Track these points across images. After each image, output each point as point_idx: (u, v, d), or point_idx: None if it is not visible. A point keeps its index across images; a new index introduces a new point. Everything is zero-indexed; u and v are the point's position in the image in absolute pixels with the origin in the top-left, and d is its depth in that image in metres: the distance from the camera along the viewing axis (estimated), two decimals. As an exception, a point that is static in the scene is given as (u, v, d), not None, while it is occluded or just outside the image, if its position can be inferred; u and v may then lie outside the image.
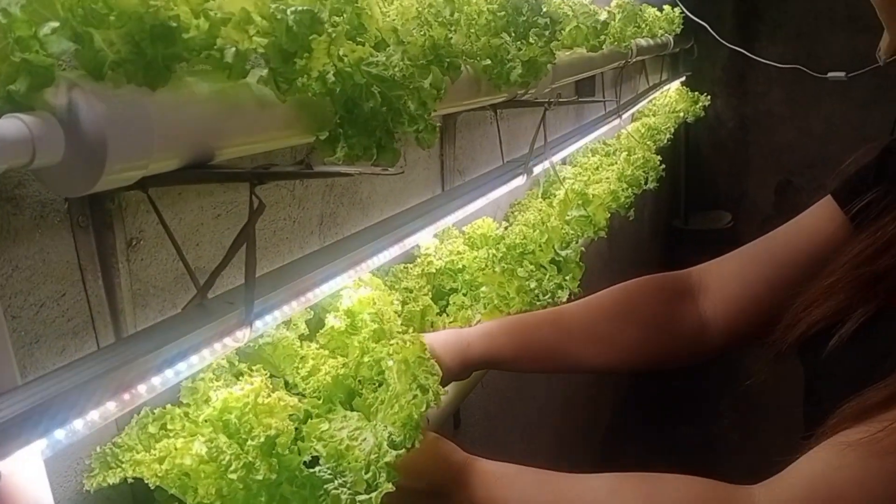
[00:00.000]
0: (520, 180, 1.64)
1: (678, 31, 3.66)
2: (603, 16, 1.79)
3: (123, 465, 0.71)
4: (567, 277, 1.43)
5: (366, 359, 0.92)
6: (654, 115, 3.80)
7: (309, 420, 0.85)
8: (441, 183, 1.69)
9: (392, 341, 0.90)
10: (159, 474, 0.70)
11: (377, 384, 0.92)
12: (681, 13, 3.69)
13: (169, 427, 0.75)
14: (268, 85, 0.74)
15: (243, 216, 1.04)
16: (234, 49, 0.65)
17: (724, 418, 3.93)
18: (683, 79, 4.83)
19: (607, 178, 2.36)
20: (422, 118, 0.85)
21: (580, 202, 1.94)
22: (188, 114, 0.69)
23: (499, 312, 1.16)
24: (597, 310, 1.01)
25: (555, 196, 2.05)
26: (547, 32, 1.37)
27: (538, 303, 1.20)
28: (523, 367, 1.03)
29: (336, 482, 0.73)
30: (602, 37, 1.83)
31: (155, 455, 0.71)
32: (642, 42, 3.05)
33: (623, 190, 2.21)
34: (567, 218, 1.96)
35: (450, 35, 1.09)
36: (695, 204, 5.78)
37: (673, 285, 1.01)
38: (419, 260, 1.30)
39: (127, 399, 0.64)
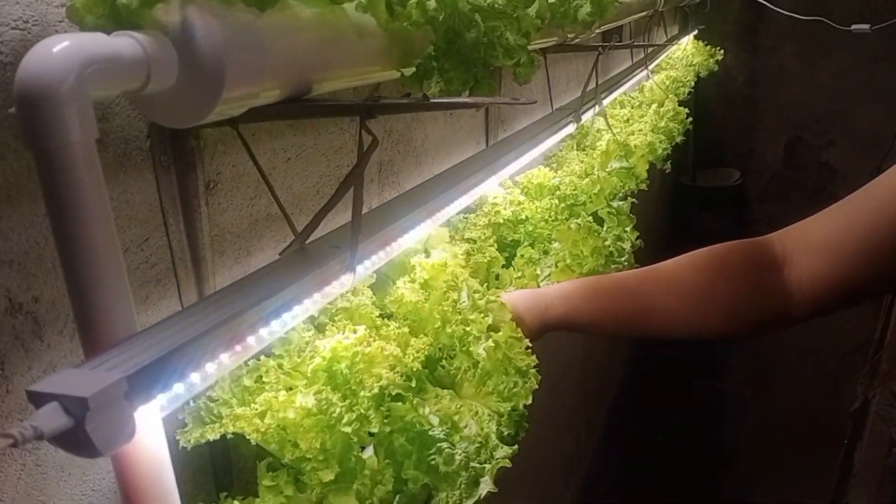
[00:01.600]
0: (570, 128, 1.58)
1: (699, -20, 3.55)
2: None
3: (223, 421, 0.66)
4: (627, 229, 1.38)
5: (447, 329, 0.87)
6: (673, 69, 3.71)
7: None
8: (485, 132, 1.63)
9: (473, 316, 0.85)
10: (261, 430, 0.66)
11: (455, 352, 0.88)
12: (702, -38, 3.58)
13: (265, 380, 0.70)
14: (372, 11, 0.67)
15: (312, 160, 0.99)
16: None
17: (736, 373, 3.95)
18: (696, 32, 4.73)
19: (640, 130, 2.29)
20: (523, 49, 0.78)
21: (622, 153, 1.88)
22: (294, 40, 0.63)
23: (571, 273, 1.11)
24: (687, 274, 0.97)
25: (591, 148, 1.98)
26: (611, -29, 1.30)
27: (620, 261, 1.15)
28: (604, 330, 1.01)
29: (448, 442, 0.69)
30: (650, -21, 1.74)
31: (256, 409, 0.66)
32: (668, -9, 2.96)
33: (660, 142, 2.15)
34: (608, 170, 1.91)
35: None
36: (703, 161, 5.72)
37: (759, 255, 0.95)
38: (485, 209, 1.24)
39: (239, 350, 0.59)
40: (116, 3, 0.51)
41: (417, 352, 0.81)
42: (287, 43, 0.62)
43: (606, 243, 1.17)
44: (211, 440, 0.67)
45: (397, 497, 0.68)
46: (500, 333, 0.83)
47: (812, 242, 0.93)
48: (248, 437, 0.67)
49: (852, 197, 0.90)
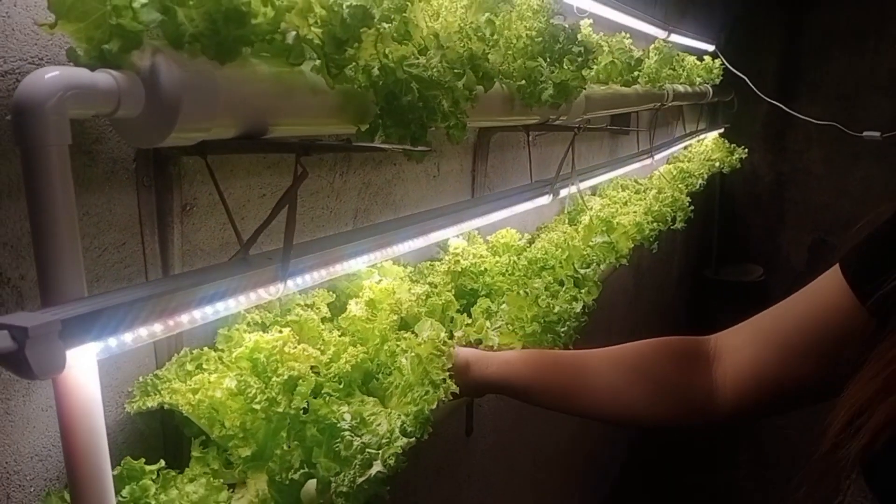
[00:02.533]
0: (545, 199, 1.72)
1: (717, 81, 3.73)
2: (637, 53, 1.88)
3: (161, 392, 0.79)
4: (583, 291, 1.50)
5: (385, 347, 1.00)
6: (688, 161, 3.86)
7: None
8: (471, 195, 1.78)
9: (406, 335, 0.98)
10: (192, 403, 0.79)
11: (391, 370, 1.00)
12: (721, 65, 3.77)
13: (205, 366, 0.84)
14: (320, 72, 0.84)
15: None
16: (294, 33, 0.75)
17: (741, 468, 3.90)
18: (721, 130, 4.89)
19: (634, 212, 2.43)
20: (453, 115, 0.94)
21: (604, 229, 2.01)
22: (249, 89, 0.79)
23: (513, 335, 1.22)
24: (614, 360, 1.01)
25: (581, 223, 2.12)
26: (580, 59, 1.47)
27: (553, 317, 1.26)
28: (535, 400, 1.03)
29: (352, 433, 0.81)
30: (636, 73, 1.92)
31: (190, 386, 0.80)
32: (679, 88, 3.13)
33: (648, 223, 2.28)
34: (591, 244, 2.03)
35: (488, 52, 1.19)
36: (727, 255, 5.78)
37: (690, 350, 0.99)
38: (447, 258, 1.38)
39: (171, 325, 0.73)
40: (102, 49, 0.68)
41: (351, 357, 0.94)
42: (242, 91, 0.78)
43: (556, 309, 1.28)
44: (151, 407, 0.80)
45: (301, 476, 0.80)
46: (423, 348, 0.95)
47: (739, 342, 0.95)
48: (180, 411, 0.80)
49: (785, 301, 0.91)
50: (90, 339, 0.62)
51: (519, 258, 1.54)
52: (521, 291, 1.26)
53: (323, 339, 0.98)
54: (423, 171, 1.56)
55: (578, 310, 1.44)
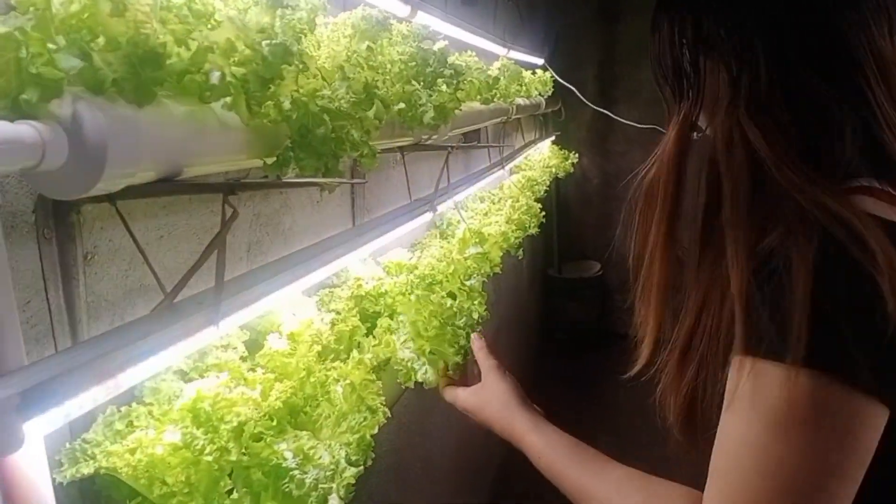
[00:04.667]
0: (427, 216, 1.77)
1: (549, 92, 4.00)
2: (494, 72, 1.99)
3: (97, 458, 0.74)
4: (475, 302, 1.56)
5: (311, 379, 0.99)
6: (531, 169, 4.09)
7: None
8: (352, 218, 1.80)
9: (336, 364, 0.98)
10: (132, 464, 0.75)
11: (319, 401, 1.00)
12: (551, 77, 4.05)
13: (136, 424, 0.79)
14: (235, 109, 0.83)
15: (183, 237, 1.10)
16: (219, 73, 0.74)
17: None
18: (553, 138, 5.23)
19: (497, 222, 2.55)
20: (365, 144, 0.96)
21: (477, 241, 2.10)
22: (167, 131, 0.77)
23: (421, 337, 1.25)
24: (630, 490, 0.84)
25: (453, 236, 2.20)
26: (455, 82, 1.54)
27: (457, 323, 1.31)
28: (548, 474, 0.92)
29: (300, 470, 0.80)
30: (493, 91, 2.02)
31: (127, 446, 0.75)
32: (521, 101, 3.33)
33: (512, 231, 2.40)
34: (465, 255, 2.11)
35: (377, 80, 1.22)
36: (567, 254, 6.17)
37: None
38: (350, 283, 1.39)
39: (111, 386, 0.69)
40: (18, 99, 0.63)
41: (280, 393, 0.93)
42: (161, 133, 0.76)
43: (453, 310, 1.34)
44: (85, 475, 0.74)
45: (256, 523, 0.78)
46: (356, 374, 0.95)
47: None
48: (118, 475, 0.75)
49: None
50: (46, 411, 0.58)
51: (414, 275, 1.58)
52: (413, 296, 1.29)
53: (246, 379, 0.96)
54: (308, 199, 1.55)
55: (475, 316, 1.50)
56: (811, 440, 0.58)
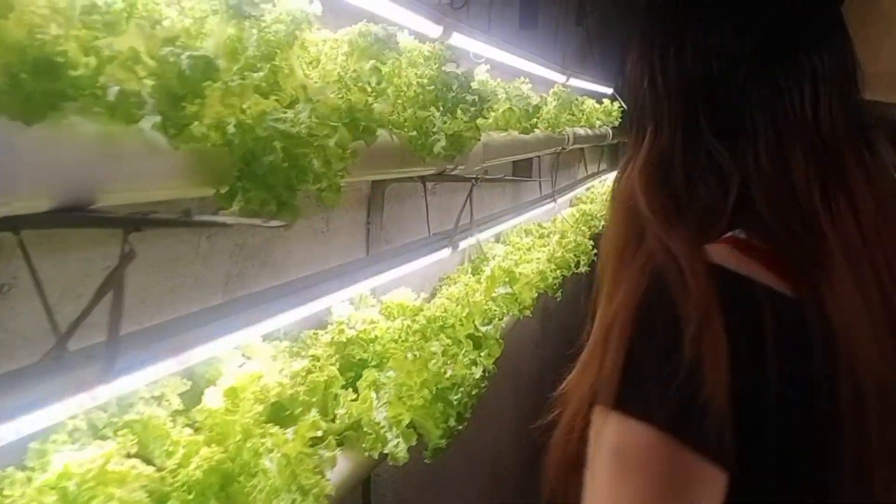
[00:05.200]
0: (444, 252, 1.63)
1: (616, 123, 3.80)
2: (535, 100, 1.83)
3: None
4: (483, 353, 1.40)
5: (248, 444, 0.86)
6: (591, 202, 3.89)
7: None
8: (366, 250, 1.67)
9: (274, 430, 0.85)
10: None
11: (256, 470, 0.86)
12: (619, 107, 3.85)
13: (6, 493, 0.67)
14: (163, 131, 0.71)
15: (137, 268, 0.99)
16: (117, 88, 0.62)
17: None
18: (622, 170, 5.00)
19: (538, 259, 2.37)
20: (325, 176, 0.83)
21: (507, 280, 1.94)
22: (65, 153, 0.65)
23: (403, 404, 1.10)
24: None
25: (484, 273, 2.04)
26: (473, 109, 1.39)
27: (452, 398, 1.14)
28: None
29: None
30: (534, 120, 1.87)
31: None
32: (580, 131, 3.15)
33: (552, 271, 2.22)
34: (493, 295, 1.95)
35: (372, 102, 1.09)
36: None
37: None
38: (330, 327, 1.25)
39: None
40: None
41: (203, 460, 0.80)
42: (54, 156, 0.64)
43: (448, 374, 1.17)
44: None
45: None
46: (291, 446, 0.82)
47: None
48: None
49: None
50: None
51: (415, 320, 1.43)
52: (410, 354, 1.14)
53: (171, 440, 0.83)
54: (309, 227, 1.43)
55: (478, 375, 1.34)
56: (625, 484, 0.58)
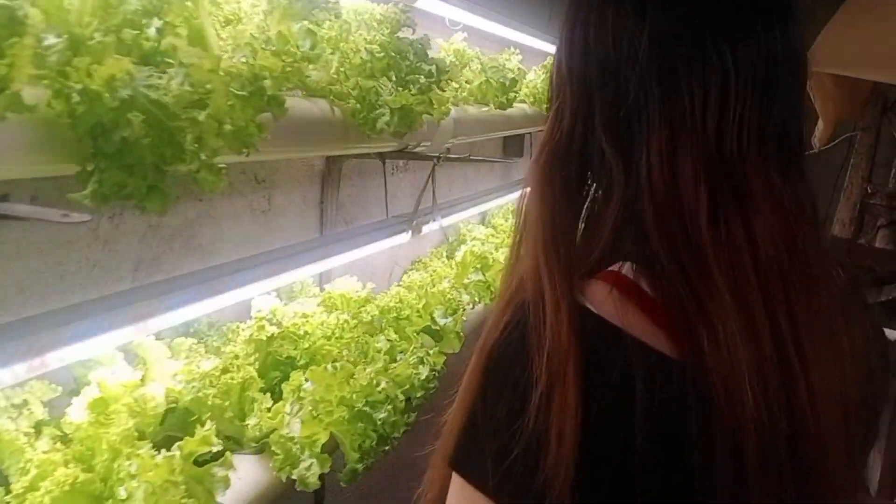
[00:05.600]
0: (404, 237, 1.49)
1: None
2: (511, 73, 1.68)
3: None
4: (432, 351, 1.27)
5: (115, 464, 0.74)
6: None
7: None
8: (320, 231, 1.54)
9: (142, 451, 0.73)
10: None
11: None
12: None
13: None
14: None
15: (18, 252, 0.87)
16: None
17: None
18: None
19: (522, 242, 2.24)
20: (196, 156, 0.70)
21: (479, 266, 1.80)
22: None
23: (318, 423, 0.96)
24: None
25: (456, 258, 1.91)
26: (428, 80, 1.25)
27: (377, 417, 1.01)
28: None
29: None
30: (512, 94, 1.72)
31: None
32: (579, 106, 2.98)
33: (533, 256, 2.09)
34: (465, 282, 1.82)
35: (289, 68, 0.95)
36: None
37: None
38: (250, 322, 1.13)
39: None
40: None
41: (55, 484, 0.68)
42: None
43: (380, 386, 1.04)
44: None
45: None
46: (156, 474, 0.70)
47: None
48: None
49: None
50: None
51: (358, 314, 1.30)
52: (330, 366, 1.02)
53: (25, 458, 0.72)
54: (246, 206, 1.30)
55: (424, 376, 1.22)
56: None
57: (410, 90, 1.18)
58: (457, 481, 0.53)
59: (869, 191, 2.27)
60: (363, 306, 1.32)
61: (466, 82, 1.73)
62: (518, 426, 0.49)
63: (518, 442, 0.49)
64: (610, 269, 0.55)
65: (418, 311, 1.43)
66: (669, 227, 0.52)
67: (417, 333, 1.39)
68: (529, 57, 2.51)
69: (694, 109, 0.52)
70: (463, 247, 2.01)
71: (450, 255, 2.04)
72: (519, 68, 1.95)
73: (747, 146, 0.53)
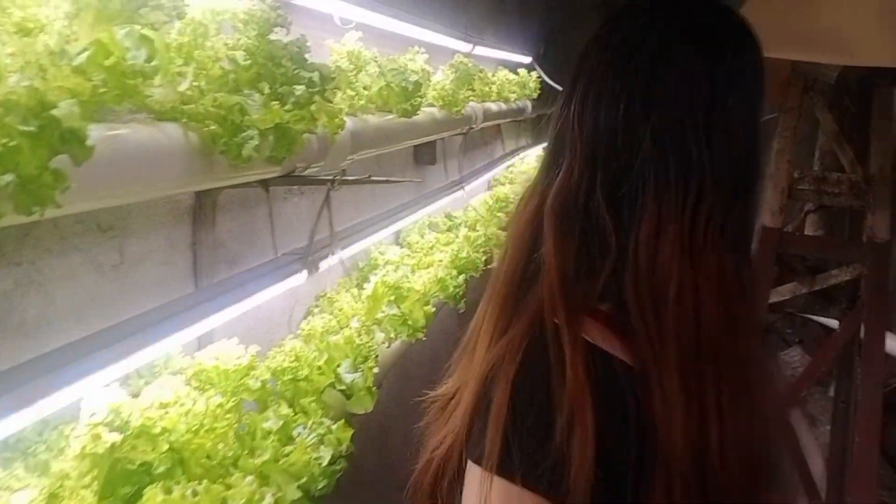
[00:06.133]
0: (298, 278, 1.25)
1: (535, 95, 3.46)
2: (414, 77, 1.46)
3: None
4: (335, 427, 1.03)
5: None
6: (510, 183, 3.56)
7: None
8: (194, 279, 1.27)
9: None
10: None
11: None
12: (538, 77, 3.51)
13: None
14: None
15: None
16: None
17: None
18: (545, 145, 4.68)
19: (440, 262, 2.02)
20: None
21: (392, 298, 1.58)
22: None
23: None
24: None
25: (365, 290, 1.67)
26: (310, 91, 1.01)
27: None
28: None
29: None
30: (417, 99, 1.49)
31: None
32: (493, 107, 2.79)
33: (452, 278, 1.87)
34: (379, 316, 1.59)
35: (102, 87, 0.70)
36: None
37: None
38: (84, 429, 0.85)
39: None
40: None
41: None
42: None
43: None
44: None
45: None
46: None
47: None
48: None
49: None
50: None
51: (245, 381, 1.05)
52: (190, 490, 0.77)
53: None
54: (87, 263, 1.03)
55: (326, 460, 0.98)
56: None
57: (277, 108, 0.94)
58: (501, 487, 0.62)
59: (796, 176, 2.15)
60: (247, 375, 1.07)
61: (364, 88, 1.49)
62: (548, 441, 0.60)
63: (550, 452, 0.60)
64: (597, 307, 0.66)
65: (319, 369, 1.20)
66: (643, 297, 0.64)
67: (318, 400, 1.15)
68: (436, 55, 2.30)
69: (678, 203, 0.64)
70: (374, 276, 1.78)
71: (360, 284, 1.80)
72: (424, 69, 1.72)
73: (712, 239, 0.65)
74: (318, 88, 1.03)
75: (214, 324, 1.09)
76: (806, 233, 2.30)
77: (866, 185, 1.85)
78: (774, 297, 2.04)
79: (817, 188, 2.09)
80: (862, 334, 1.90)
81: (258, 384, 1.10)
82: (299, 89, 1.01)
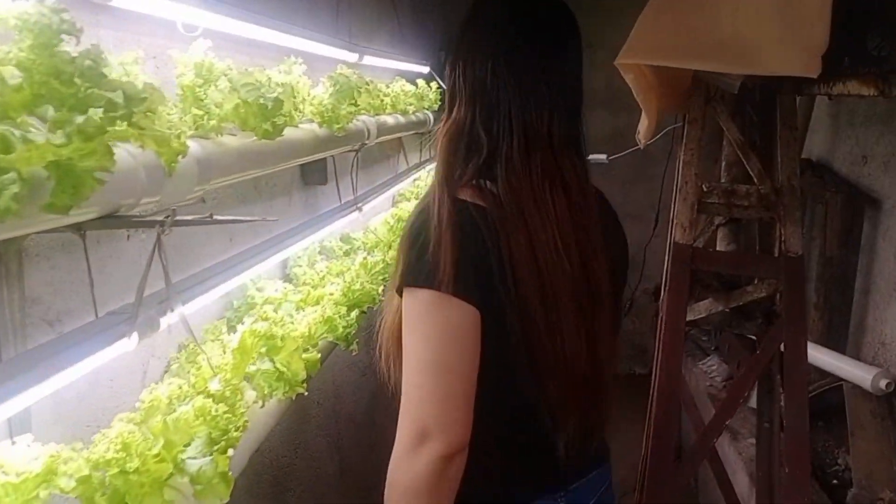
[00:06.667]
0: (124, 344, 1.01)
1: (436, 106, 3.30)
2: (274, 92, 1.25)
3: None
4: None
5: None
6: (416, 199, 3.37)
7: None
8: (-4, 352, 1.02)
9: None
10: None
11: None
12: (438, 87, 3.35)
13: None
14: None
15: None
16: None
17: None
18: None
19: (331, 294, 1.81)
20: None
21: (263, 350, 1.36)
22: None
23: None
24: None
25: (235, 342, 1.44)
26: (114, 115, 0.79)
27: None
28: None
29: None
30: (279, 118, 1.28)
31: None
32: (389, 120, 2.60)
33: (342, 317, 1.66)
34: (250, 369, 1.37)
35: None
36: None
37: None
38: None
39: None
40: None
41: None
42: None
43: None
44: None
45: None
46: None
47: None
48: None
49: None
50: None
51: (42, 489, 0.82)
52: None
53: None
54: None
55: None
56: (427, 332, 0.97)
57: (53, 142, 0.71)
58: (409, 294, 0.98)
59: (705, 189, 2.05)
60: (46, 482, 0.83)
61: (216, 106, 1.27)
62: (424, 258, 0.96)
63: (428, 264, 0.96)
64: (472, 183, 1.03)
65: (157, 456, 0.97)
66: (515, 178, 1.03)
67: (157, 494, 0.92)
68: (321, 66, 2.09)
69: (539, 121, 1.05)
70: (249, 318, 1.55)
71: (233, 326, 1.57)
72: (297, 83, 1.51)
73: (558, 140, 1.06)
74: (121, 112, 0.81)
75: (24, 404, 0.85)
76: (718, 247, 2.21)
77: (776, 197, 1.76)
78: (690, 315, 1.92)
79: (727, 201, 1.99)
80: (783, 348, 1.81)
81: (72, 483, 0.87)
82: (95, 113, 0.78)
